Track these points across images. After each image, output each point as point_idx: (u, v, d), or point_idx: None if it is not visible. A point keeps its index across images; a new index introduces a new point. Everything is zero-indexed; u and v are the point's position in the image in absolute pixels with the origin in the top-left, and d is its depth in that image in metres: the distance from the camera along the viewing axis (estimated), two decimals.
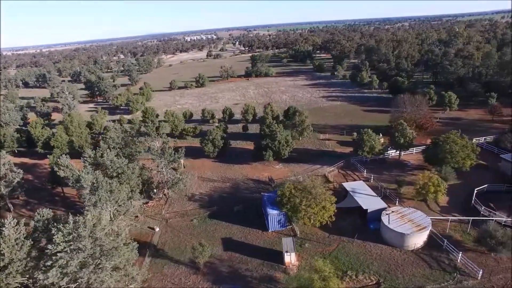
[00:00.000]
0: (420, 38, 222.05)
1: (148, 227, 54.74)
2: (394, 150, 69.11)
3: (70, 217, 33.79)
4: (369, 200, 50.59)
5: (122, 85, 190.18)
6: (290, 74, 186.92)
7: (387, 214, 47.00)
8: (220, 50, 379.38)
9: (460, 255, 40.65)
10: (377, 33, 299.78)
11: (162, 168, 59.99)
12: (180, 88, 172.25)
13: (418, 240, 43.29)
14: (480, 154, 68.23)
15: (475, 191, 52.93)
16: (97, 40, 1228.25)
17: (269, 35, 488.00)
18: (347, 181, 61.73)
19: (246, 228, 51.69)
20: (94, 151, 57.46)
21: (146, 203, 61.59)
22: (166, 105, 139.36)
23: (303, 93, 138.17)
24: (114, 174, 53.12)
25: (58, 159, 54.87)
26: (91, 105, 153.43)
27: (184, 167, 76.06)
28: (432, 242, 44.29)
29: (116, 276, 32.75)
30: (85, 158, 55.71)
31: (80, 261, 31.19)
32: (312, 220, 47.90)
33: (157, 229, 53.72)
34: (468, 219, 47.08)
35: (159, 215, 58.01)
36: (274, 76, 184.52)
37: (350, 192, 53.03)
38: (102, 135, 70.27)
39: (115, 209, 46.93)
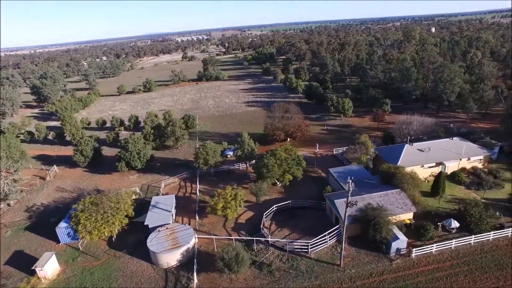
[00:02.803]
0: (383, 38, 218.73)
1: None
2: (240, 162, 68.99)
3: None
4: (158, 216, 50.85)
5: (81, 89, 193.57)
6: (240, 78, 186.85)
7: (159, 230, 47.34)
8: (201, 52, 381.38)
9: (195, 275, 40.80)
10: (354, 33, 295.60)
11: None
12: (128, 93, 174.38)
13: (170, 258, 43.41)
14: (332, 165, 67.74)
15: (274, 208, 52.79)
16: (95, 40, 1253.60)
17: (259, 36, 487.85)
18: (177, 193, 62.42)
19: (46, 240, 52.52)
20: None
21: None
22: (101, 111, 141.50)
23: (231, 98, 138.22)
24: None
25: None
26: (37, 110, 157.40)
27: (53, 177, 77.68)
28: (192, 261, 44.36)
29: None
30: None
31: None
32: (91, 234, 48.50)
33: None
34: (240, 239, 47.07)
35: None
36: (224, 80, 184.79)
37: (150, 206, 53.48)
38: None
39: None
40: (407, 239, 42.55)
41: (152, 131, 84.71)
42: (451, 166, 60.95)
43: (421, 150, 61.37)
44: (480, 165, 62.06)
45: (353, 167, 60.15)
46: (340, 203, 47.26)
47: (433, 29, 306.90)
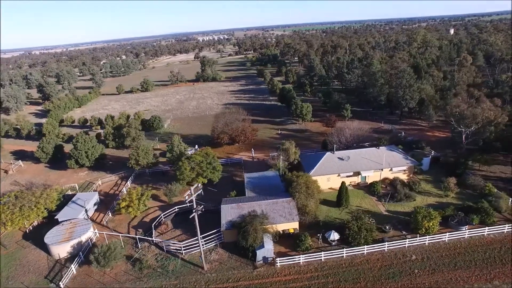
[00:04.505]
0: (387, 40, 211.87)
1: None
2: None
3: None
4: (72, 211, 54.99)
5: (90, 87, 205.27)
6: (236, 79, 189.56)
7: (62, 224, 51.44)
8: (217, 52, 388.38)
9: (73, 266, 44.26)
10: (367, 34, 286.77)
11: None
12: (126, 92, 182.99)
13: (61, 250, 47.21)
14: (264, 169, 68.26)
15: (176, 209, 55.13)
16: (124, 39, 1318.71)
17: (279, 36, 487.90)
18: (109, 190, 66.65)
19: None
20: None
21: None
22: (94, 109, 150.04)
23: (214, 100, 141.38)
24: None
25: None
26: (40, 107, 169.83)
27: (15, 171, 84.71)
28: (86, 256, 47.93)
29: None
30: None
31: None
32: (5, 225, 53.53)
33: None
34: (128, 236, 50.23)
35: None
36: (220, 81, 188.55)
37: (70, 202, 57.78)
38: None
39: None
40: (273, 248, 43.24)
41: (113, 131, 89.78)
42: (371, 176, 59.91)
43: (341, 159, 60.73)
44: (404, 176, 60.40)
45: (268, 173, 60.89)
46: (225, 208, 48.77)
47: (451, 31, 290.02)
